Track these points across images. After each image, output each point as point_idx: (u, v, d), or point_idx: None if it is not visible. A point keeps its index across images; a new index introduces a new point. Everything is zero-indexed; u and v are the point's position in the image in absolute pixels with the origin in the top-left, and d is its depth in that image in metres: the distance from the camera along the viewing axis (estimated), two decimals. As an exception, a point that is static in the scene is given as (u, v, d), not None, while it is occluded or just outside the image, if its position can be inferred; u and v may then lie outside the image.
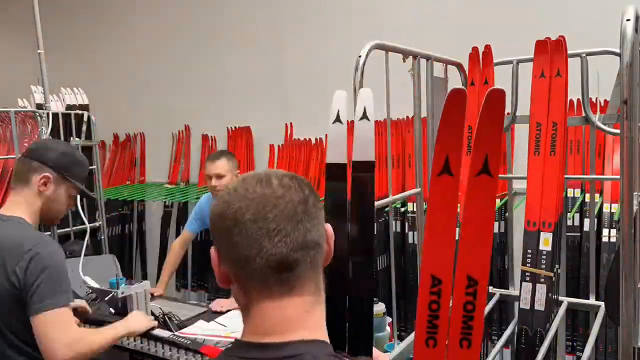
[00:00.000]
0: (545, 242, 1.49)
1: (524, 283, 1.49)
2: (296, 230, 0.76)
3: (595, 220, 2.53)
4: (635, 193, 1.18)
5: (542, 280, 1.47)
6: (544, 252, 1.48)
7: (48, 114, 2.83)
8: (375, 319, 1.86)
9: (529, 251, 1.50)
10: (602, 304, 1.64)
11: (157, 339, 1.84)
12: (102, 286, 2.21)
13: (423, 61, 1.45)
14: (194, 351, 1.75)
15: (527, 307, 1.48)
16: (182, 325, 2.18)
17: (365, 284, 1.06)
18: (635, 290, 1.16)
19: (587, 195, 2.75)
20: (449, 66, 1.64)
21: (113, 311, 2.13)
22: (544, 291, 1.47)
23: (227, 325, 2.31)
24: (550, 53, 1.50)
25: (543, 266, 1.47)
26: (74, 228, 2.88)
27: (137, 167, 4.54)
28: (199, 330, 2.20)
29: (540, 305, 1.47)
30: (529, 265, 1.49)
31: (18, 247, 1.55)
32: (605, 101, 2.43)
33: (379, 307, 1.90)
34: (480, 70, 1.63)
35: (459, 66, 1.70)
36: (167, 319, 2.14)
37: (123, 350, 1.97)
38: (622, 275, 1.12)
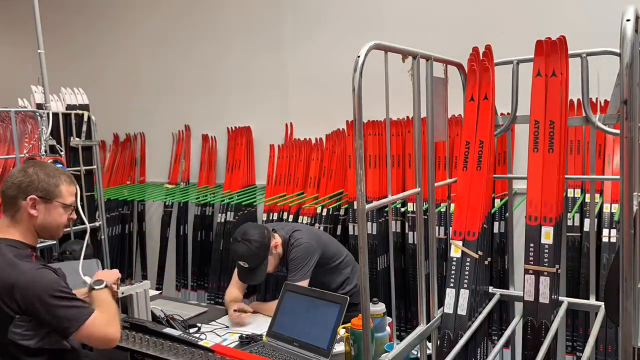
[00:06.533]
0: (547, 235, 1.49)
1: (526, 275, 1.49)
2: None
3: (595, 220, 2.53)
4: (635, 193, 1.18)
5: (545, 273, 1.48)
6: (546, 246, 1.49)
7: (48, 114, 2.84)
8: (375, 319, 1.87)
9: (531, 245, 1.50)
10: (602, 304, 1.64)
11: (169, 337, 1.84)
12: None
13: (423, 61, 1.45)
14: (206, 349, 1.74)
15: (531, 299, 1.48)
16: (186, 325, 2.18)
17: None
18: (635, 290, 1.16)
19: (587, 196, 2.75)
20: (449, 66, 1.63)
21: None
22: (547, 284, 1.47)
23: (227, 325, 2.32)
24: (551, 53, 1.50)
25: (545, 260, 1.48)
26: (74, 228, 2.89)
27: (137, 167, 4.54)
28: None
29: (544, 299, 1.47)
30: (531, 260, 1.49)
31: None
32: (605, 101, 2.43)
33: (379, 307, 1.90)
34: (479, 84, 1.63)
35: (459, 66, 1.70)
36: (170, 320, 2.14)
37: (123, 350, 1.97)
38: (622, 275, 1.12)
